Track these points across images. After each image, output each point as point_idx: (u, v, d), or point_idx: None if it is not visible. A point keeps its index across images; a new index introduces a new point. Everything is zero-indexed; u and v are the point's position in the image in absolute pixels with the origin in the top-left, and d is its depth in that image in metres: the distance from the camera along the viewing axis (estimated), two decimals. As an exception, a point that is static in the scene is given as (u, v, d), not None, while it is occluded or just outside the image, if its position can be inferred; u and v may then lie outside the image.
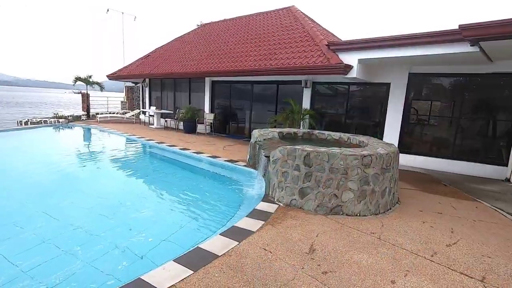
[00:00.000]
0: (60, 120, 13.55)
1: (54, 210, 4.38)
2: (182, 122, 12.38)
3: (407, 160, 7.74)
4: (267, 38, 10.83)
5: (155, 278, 2.48)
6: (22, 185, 5.54)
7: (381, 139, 7.87)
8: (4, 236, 3.56)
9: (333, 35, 11.98)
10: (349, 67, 7.30)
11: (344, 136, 6.53)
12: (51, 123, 13.07)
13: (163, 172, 7.13)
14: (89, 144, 10.50)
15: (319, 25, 11.86)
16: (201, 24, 18.87)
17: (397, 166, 4.79)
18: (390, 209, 4.48)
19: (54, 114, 14.68)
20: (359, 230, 3.67)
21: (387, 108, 8.15)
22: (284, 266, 2.79)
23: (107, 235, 3.68)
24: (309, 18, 11.65)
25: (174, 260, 2.78)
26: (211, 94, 12.65)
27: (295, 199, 4.30)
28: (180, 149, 8.47)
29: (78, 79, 15.40)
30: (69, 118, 14.50)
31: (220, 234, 3.35)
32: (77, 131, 12.47)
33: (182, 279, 2.50)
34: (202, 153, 7.97)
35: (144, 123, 14.82)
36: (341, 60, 7.36)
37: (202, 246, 3.08)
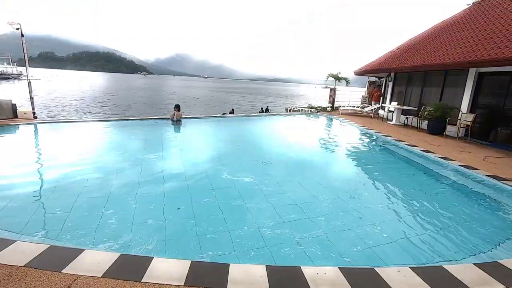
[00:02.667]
0: (312, 110, 16.33)
1: (305, 182, 5.40)
2: (427, 121, 10.90)
3: None
4: None
5: (390, 276, 2.43)
6: (289, 158, 7.28)
7: None
8: (274, 192, 4.86)
9: None
10: None
11: None
12: (305, 112, 16.07)
13: (399, 171, 6.69)
14: (332, 133, 11.89)
15: None
16: (474, 3, 15.19)
17: None
18: None
19: (308, 104, 17.91)
20: None
21: None
22: None
23: (343, 216, 4.05)
24: None
25: (410, 267, 2.58)
26: (474, 90, 10.05)
27: None
28: (422, 150, 7.55)
29: (330, 75, 17.70)
30: (318, 108, 17.11)
31: (474, 264, 2.69)
32: (323, 120, 14.47)
33: (420, 292, 2.27)
34: (450, 160, 6.66)
35: (382, 118, 14.53)
36: None
37: (446, 267, 2.62)
